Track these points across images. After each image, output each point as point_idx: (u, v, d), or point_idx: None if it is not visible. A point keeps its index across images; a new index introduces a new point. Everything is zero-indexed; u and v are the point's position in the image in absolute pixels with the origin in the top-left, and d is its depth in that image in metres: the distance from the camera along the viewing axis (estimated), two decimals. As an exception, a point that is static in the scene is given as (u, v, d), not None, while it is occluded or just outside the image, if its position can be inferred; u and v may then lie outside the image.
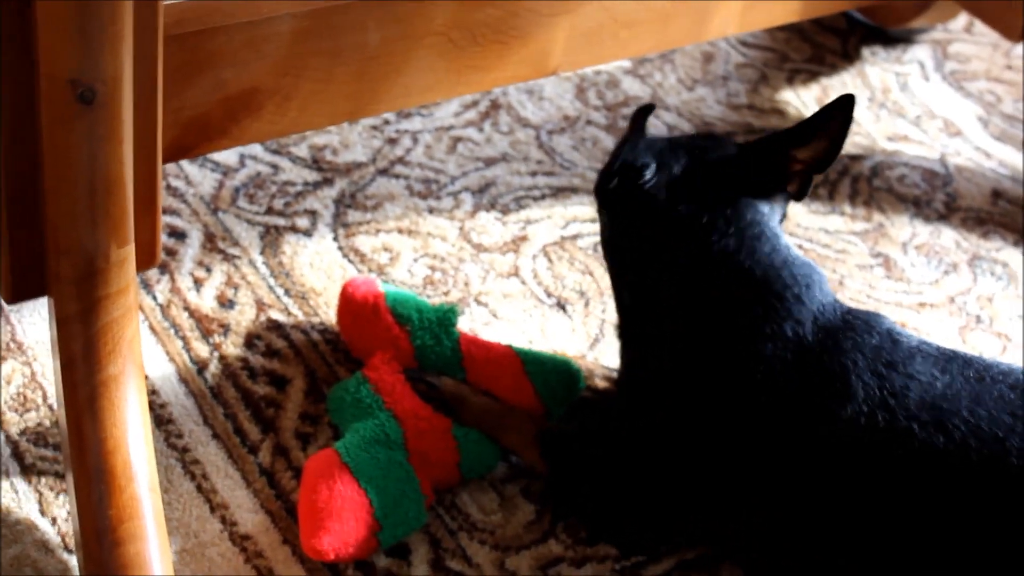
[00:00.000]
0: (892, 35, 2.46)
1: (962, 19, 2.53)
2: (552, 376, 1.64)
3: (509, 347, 1.67)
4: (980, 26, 2.50)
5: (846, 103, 1.45)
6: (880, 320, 1.47)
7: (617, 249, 1.55)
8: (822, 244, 2.01)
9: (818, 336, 1.43)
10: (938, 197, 2.14)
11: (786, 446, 1.41)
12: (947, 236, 2.06)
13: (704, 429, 1.45)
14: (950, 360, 1.44)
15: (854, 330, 1.44)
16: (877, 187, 2.13)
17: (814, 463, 1.40)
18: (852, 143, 2.21)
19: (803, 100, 2.28)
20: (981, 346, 1.87)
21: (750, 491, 1.44)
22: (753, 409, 1.42)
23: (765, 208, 1.50)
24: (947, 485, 1.36)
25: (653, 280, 1.49)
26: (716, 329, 1.45)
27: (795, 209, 2.06)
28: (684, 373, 1.46)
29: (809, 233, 2.02)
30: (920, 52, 2.45)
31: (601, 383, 1.68)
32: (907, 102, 2.33)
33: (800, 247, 1.99)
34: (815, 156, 1.49)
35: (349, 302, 1.68)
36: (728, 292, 1.45)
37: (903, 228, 2.06)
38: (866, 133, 2.24)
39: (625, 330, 1.55)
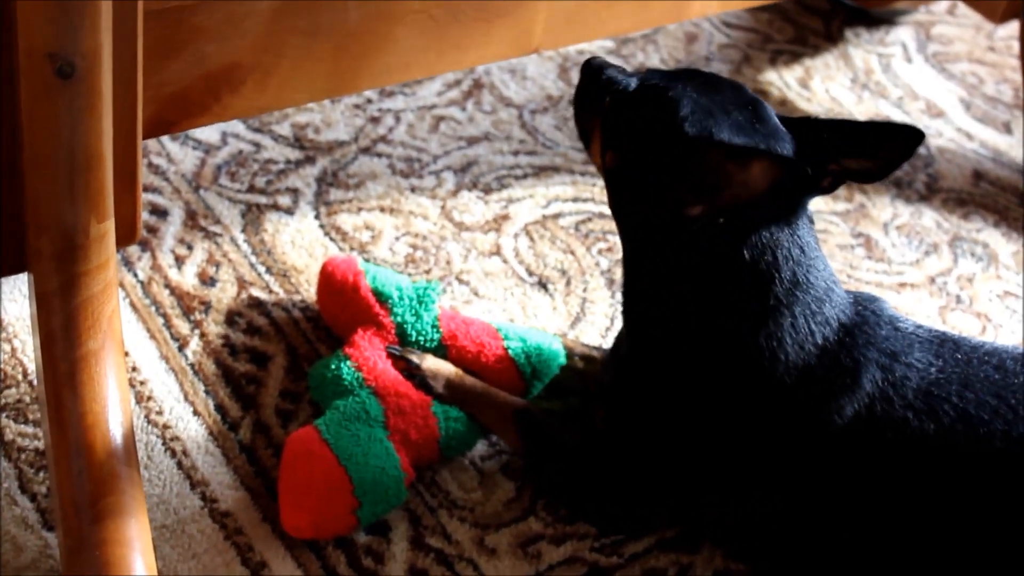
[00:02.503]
0: (875, 16, 2.46)
1: (945, 1, 2.53)
2: (533, 353, 1.65)
3: (490, 324, 1.67)
4: (963, 8, 2.51)
5: (915, 137, 1.34)
6: (882, 307, 1.45)
7: (632, 203, 1.43)
8: (803, 224, 2.01)
9: (839, 335, 1.41)
10: (920, 178, 2.14)
11: (793, 437, 1.41)
12: (928, 217, 2.07)
13: (712, 418, 1.43)
14: (942, 344, 1.43)
15: (867, 323, 1.42)
16: (859, 168, 2.13)
17: (817, 453, 1.40)
18: (834, 124, 2.21)
19: (786, 81, 2.29)
20: (961, 326, 1.88)
21: (744, 480, 1.45)
22: (769, 402, 1.41)
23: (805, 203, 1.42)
24: (936, 472, 1.37)
25: (671, 255, 1.41)
26: (742, 321, 1.39)
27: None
28: (702, 363, 1.43)
29: (790, 213, 2.02)
30: (903, 33, 2.46)
31: (580, 362, 1.68)
32: (889, 83, 2.33)
33: (781, 227, 1.99)
34: (861, 170, 1.37)
35: (329, 280, 1.69)
36: (760, 288, 1.39)
37: (884, 209, 2.07)
38: (848, 114, 2.24)
39: (634, 310, 1.49)
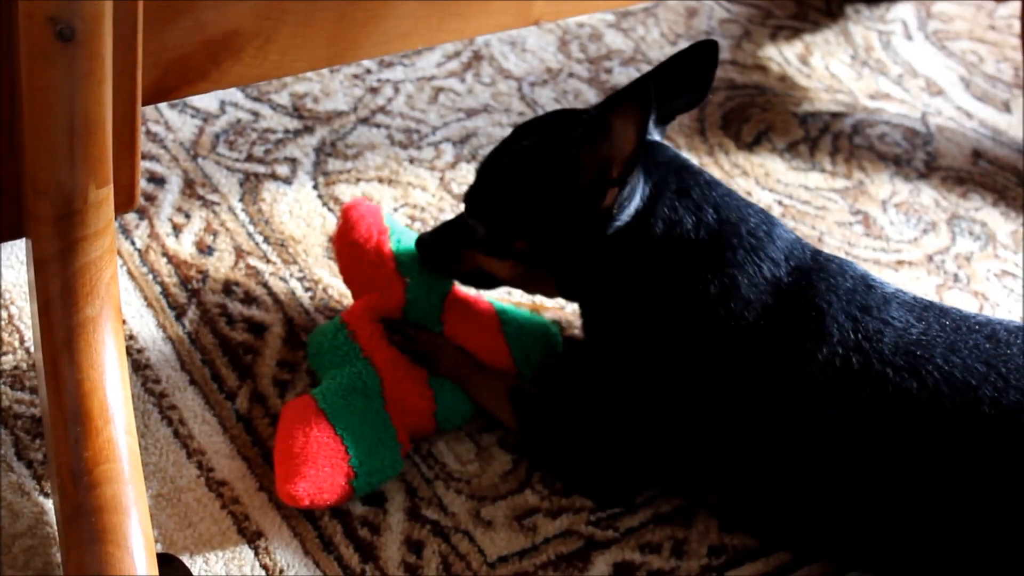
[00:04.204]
0: (876, -7, 2.45)
1: (946, -21, 2.53)
2: (528, 339, 1.64)
3: (490, 305, 1.66)
4: (964, -14, 2.50)
5: (711, 48, 1.51)
6: (852, 265, 1.48)
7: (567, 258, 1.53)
8: (802, 200, 2.01)
9: (793, 276, 1.44)
10: (918, 156, 2.14)
11: (765, 387, 1.41)
12: (926, 195, 2.06)
13: (686, 375, 1.45)
14: (926, 309, 1.45)
15: (827, 272, 1.45)
16: (858, 145, 2.13)
17: (791, 404, 1.41)
18: (834, 100, 2.21)
19: (785, 57, 2.28)
20: (958, 304, 1.87)
21: (728, 438, 1.45)
22: (735, 351, 1.43)
23: (686, 158, 1.53)
24: (919, 430, 1.37)
25: (617, 254, 1.48)
26: (694, 277, 1.45)
27: (776, 165, 2.06)
28: (665, 321, 1.46)
29: (789, 190, 2.02)
30: (903, 11, 2.45)
31: (579, 334, 1.68)
32: (889, 60, 2.33)
33: (780, 203, 1.99)
34: (687, 100, 1.54)
35: (350, 231, 1.63)
36: (700, 240, 1.45)
37: (883, 186, 2.07)
38: (848, 91, 2.24)
39: (597, 318, 1.54)
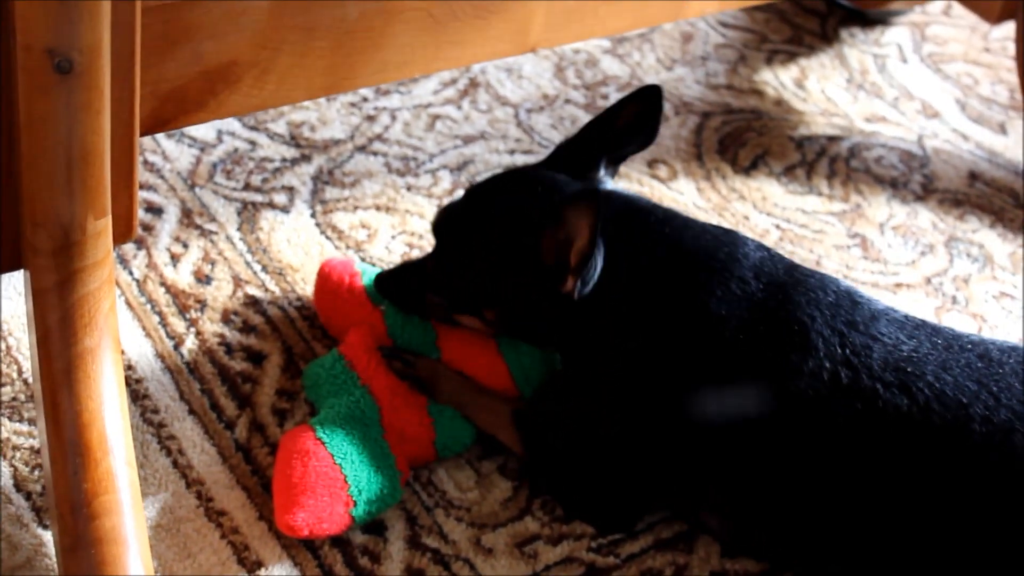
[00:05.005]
0: (871, 17, 2.46)
1: (940, 1, 2.53)
2: (526, 359, 1.64)
3: (486, 330, 1.67)
4: (958, 8, 2.51)
5: (654, 94, 1.55)
6: (836, 281, 1.49)
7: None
8: (799, 224, 2.01)
9: (767, 291, 1.45)
10: (915, 178, 2.14)
11: (753, 404, 1.42)
12: (924, 217, 2.07)
13: (675, 397, 1.45)
14: (918, 327, 1.45)
15: (806, 286, 1.45)
16: (855, 168, 2.13)
17: (777, 419, 1.41)
18: (830, 124, 2.21)
19: (781, 81, 2.29)
20: (957, 327, 1.88)
21: (721, 457, 1.45)
22: (720, 370, 1.43)
23: (637, 198, 1.56)
24: (909, 446, 1.37)
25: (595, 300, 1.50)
26: (670, 305, 1.47)
27: (773, 189, 2.06)
28: (643, 362, 1.47)
29: (787, 213, 2.02)
30: (898, 34, 2.46)
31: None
32: (885, 84, 2.33)
33: (778, 227, 1.99)
34: (633, 147, 1.59)
35: (325, 280, 1.68)
36: (669, 272, 1.47)
37: (880, 209, 2.07)
38: (844, 114, 2.24)
39: (565, 347, 1.57)
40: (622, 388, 1.48)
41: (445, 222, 1.59)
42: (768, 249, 1.52)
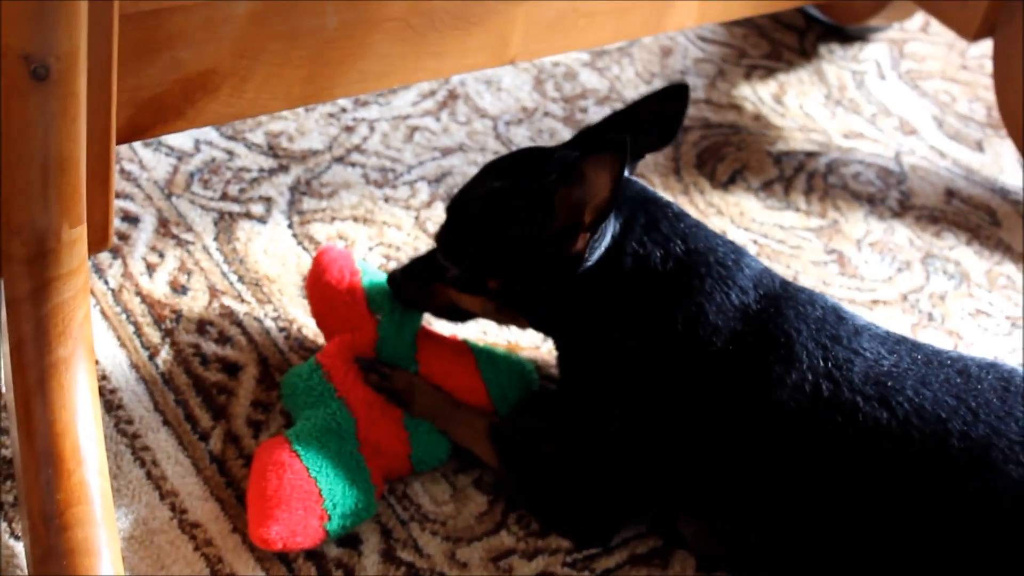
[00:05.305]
0: (849, 33, 2.46)
1: (919, 18, 2.54)
2: (504, 378, 1.63)
3: (465, 343, 1.66)
4: (936, 26, 2.52)
5: (681, 91, 1.53)
6: (823, 297, 1.49)
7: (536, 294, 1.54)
8: (776, 240, 2.01)
9: (762, 303, 1.45)
10: (892, 195, 2.14)
11: (735, 412, 1.42)
12: (901, 234, 2.07)
13: (659, 402, 1.45)
14: (899, 342, 1.46)
15: (796, 301, 1.46)
16: (832, 184, 2.14)
17: (760, 429, 1.41)
18: (808, 139, 2.21)
19: (760, 96, 2.29)
20: (933, 343, 1.88)
21: (701, 464, 1.45)
22: (704, 377, 1.43)
23: (654, 192, 1.54)
24: (888, 460, 1.38)
25: (587, 291, 1.49)
26: (662, 309, 1.46)
27: (750, 204, 2.06)
28: (636, 353, 1.47)
29: (764, 228, 2.02)
30: (876, 50, 2.46)
31: (555, 373, 1.67)
32: (863, 100, 2.34)
33: (755, 242, 1.99)
34: (654, 140, 1.56)
35: (323, 273, 1.65)
36: (668, 272, 1.46)
37: (857, 225, 2.07)
38: (822, 130, 2.24)
39: (564, 330, 1.55)
40: (617, 385, 1.48)
41: (458, 194, 1.57)
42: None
